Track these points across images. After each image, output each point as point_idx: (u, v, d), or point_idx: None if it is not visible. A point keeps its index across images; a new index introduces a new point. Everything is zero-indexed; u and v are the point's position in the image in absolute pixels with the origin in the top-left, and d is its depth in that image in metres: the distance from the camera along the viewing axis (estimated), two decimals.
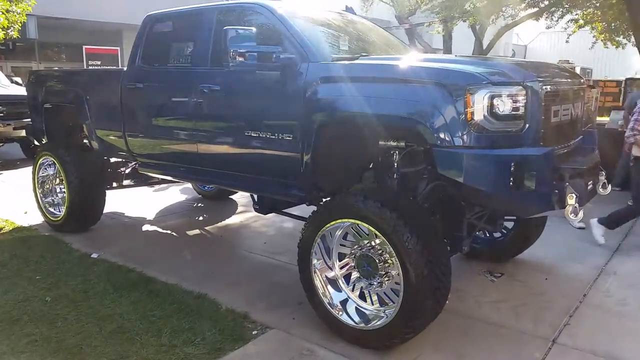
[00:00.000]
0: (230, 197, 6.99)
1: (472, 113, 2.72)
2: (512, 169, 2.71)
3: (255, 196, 4.39)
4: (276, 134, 3.51)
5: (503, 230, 4.39)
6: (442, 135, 2.78)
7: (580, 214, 2.88)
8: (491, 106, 2.72)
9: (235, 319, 3.47)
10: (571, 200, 2.85)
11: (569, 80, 3.30)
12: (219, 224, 5.84)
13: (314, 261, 3.26)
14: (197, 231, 5.60)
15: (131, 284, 4.03)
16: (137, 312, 3.55)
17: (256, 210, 4.44)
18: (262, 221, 5.86)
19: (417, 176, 3.39)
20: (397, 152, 3.33)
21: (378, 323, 3.02)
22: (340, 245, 3.30)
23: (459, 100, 2.74)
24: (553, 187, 2.81)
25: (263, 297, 3.83)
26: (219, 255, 4.78)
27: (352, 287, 3.29)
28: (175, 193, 7.18)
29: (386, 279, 3.08)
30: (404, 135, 3.16)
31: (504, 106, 2.74)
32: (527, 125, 2.82)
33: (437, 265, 2.85)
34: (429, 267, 2.80)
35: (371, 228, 2.97)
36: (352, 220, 3.05)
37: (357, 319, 3.14)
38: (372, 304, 3.19)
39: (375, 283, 3.14)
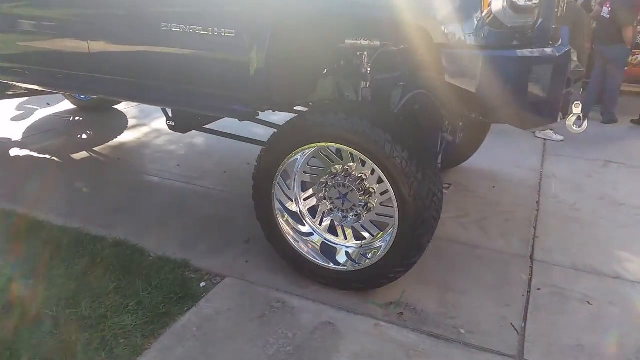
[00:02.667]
0: (114, 106, 5.83)
1: (490, 3, 2.14)
2: (531, 73, 2.24)
3: (169, 110, 3.51)
4: (210, 29, 2.62)
5: None
6: (451, 32, 2.17)
7: (585, 124, 2.56)
8: None
9: (173, 270, 2.76)
10: (577, 108, 2.50)
11: None
12: (111, 143, 4.81)
13: (277, 195, 2.62)
14: (84, 154, 4.54)
15: (17, 233, 3.07)
16: (36, 274, 2.68)
17: (171, 128, 3.58)
18: (166, 137, 4.94)
19: (391, 84, 2.80)
20: (366, 53, 2.69)
21: (363, 262, 2.54)
22: (304, 172, 2.69)
23: None
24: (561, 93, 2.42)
25: (199, 236, 3.13)
26: (124, 185, 3.88)
27: (319, 221, 2.75)
28: (42, 104, 5.80)
29: (366, 211, 2.57)
30: (384, 32, 2.50)
31: None
32: (541, 20, 2.32)
33: (436, 193, 2.39)
34: (430, 196, 2.33)
35: (355, 152, 2.38)
36: (331, 144, 2.42)
37: (341, 259, 2.64)
38: (346, 239, 2.71)
39: (351, 216, 2.61)
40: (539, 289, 2.72)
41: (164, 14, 2.73)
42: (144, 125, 5.32)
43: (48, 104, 5.76)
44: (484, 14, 2.15)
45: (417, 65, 2.64)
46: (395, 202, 2.33)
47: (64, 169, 4.23)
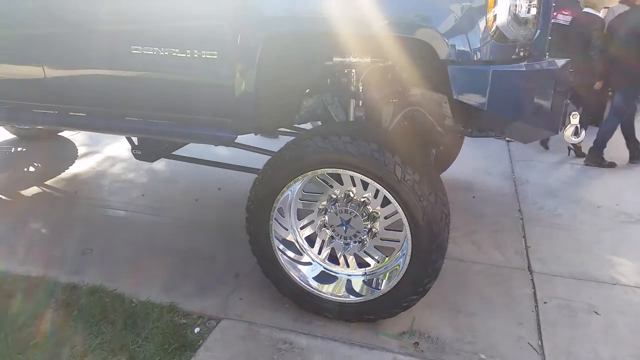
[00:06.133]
0: (59, 133, 5.39)
1: (495, 16, 2.06)
2: (538, 86, 2.19)
3: (135, 138, 3.23)
4: (188, 51, 2.41)
5: None
6: (459, 47, 2.07)
7: (583, 134, 2.53)
8: (515, 6, 2.10)
9: (161, 316, 2.49)
10: (574, 119, 2.47)
11: None
12: (64, 176, 4.41)
13: (274, 227, 2.42)
14: (35, 189, 4.12)
15: None
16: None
17: (137, 157, 3.30)
18: (122, 164, 4.62)
19: (383, 102, 2.69)
20: (354, 71, 2.56)
21: (377, 292, 2.38)
22: (299, 199, 2.51)
23: None
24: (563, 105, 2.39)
25: (181, 275, 2.87)
26: (87, 223, 3.52)
27: (318, 250, 2.58)
28: None
29: (370, 237, 2.42)
30: (384, 49, 2.38)
31: (524, 5, 2.14)
32: (538, 32, 2.29)
33: (447, 214, 2.28)
34: (443, 218, 2.22)
35: (359, 175, 2.23)
36: (333, 170, 2.26)
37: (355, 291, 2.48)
38: (348, 267, 2.55)
39: (353, 244, 2.45)
40: (545, 303, 2.67)
41: (133, 35, 2.48)
42: (96, 152, 4.94)
43: None
44: (489, 28, 2.08)
45: (413, 82, 2.54)
46: (407, 228, 2.20)
47: (13, 209, 3.82)
